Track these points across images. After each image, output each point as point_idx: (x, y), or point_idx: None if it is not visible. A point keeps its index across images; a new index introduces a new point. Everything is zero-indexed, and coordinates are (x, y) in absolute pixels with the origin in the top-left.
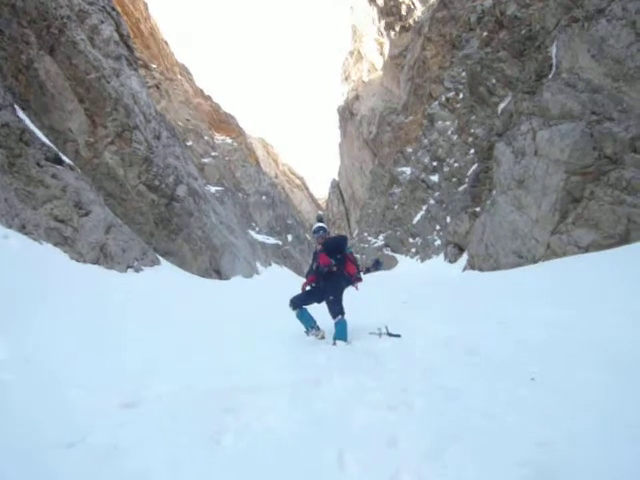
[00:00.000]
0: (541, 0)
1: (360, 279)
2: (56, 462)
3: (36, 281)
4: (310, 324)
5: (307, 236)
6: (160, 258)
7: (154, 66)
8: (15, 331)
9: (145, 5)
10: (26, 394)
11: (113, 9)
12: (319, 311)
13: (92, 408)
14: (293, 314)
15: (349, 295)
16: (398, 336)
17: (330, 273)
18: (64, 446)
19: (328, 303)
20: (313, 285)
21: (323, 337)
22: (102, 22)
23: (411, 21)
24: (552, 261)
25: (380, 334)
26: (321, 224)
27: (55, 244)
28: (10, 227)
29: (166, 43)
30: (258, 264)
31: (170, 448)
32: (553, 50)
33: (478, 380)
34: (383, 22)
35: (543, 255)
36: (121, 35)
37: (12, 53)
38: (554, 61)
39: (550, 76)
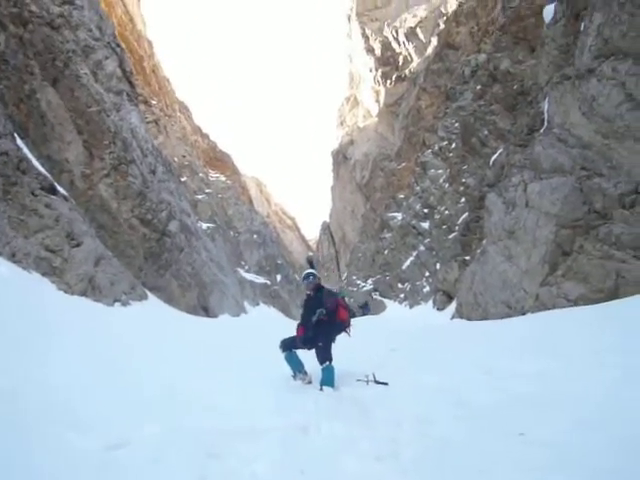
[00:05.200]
0: (533, 57)
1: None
2: None
3: (24, 311)
4: (298, 368)
5: (296, 277)
6: (148, 293)
7: (154, 102)
8: (2, 363)
9: (149, 43)
10: (11, 431)
11: (118, 45)
12: (308, 356)
13: (77, 449)
14: (281, 356)
15: (337, 341)
16: (385, 384)
17: (320, 321)
18: None
19: (317, 349)
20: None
21: (310, 382)
22: (106, 58)
23: (407, 71)
24: (541, 313)
25: (367, 381)
26: (311, 270)
27: (43, 274)
28: (0, 254)
29: (167, 80)
30: (246, 303)
31: None
32: (545, 105)
33: (467, 433)
34: (380, 71)
35: (532, 306)
36: (124, 71)
37: (15, 83)
38: (545, 116)
39: (542, 130)
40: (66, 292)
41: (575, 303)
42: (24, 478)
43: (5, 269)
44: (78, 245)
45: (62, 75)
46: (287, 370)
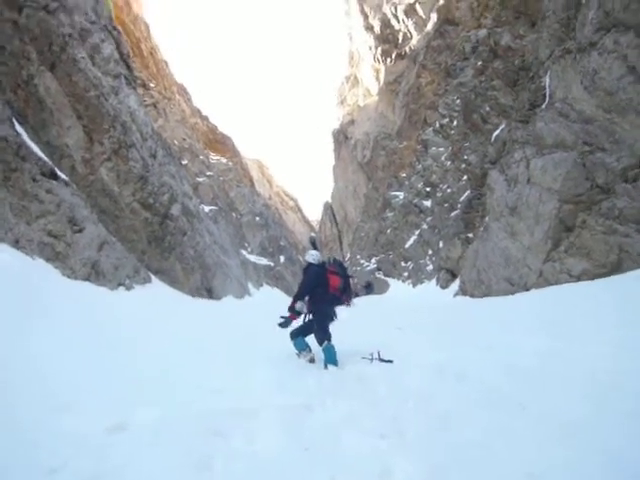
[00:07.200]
0: (534, 32)
1: (349, 302)
2: None
3: (28, 296)
4: (303, 347)
5: (299, 257)
6: (152, 276)
7: (152, 85)
8: (3, 347)
9: (146, 25)
10: (11, 415)
11: (114, 28)
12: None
13: (78, 432)
14: (287, 338)
15: (341, 320)
16: (390, 362)
17: (312, 300)
18: (46, 472)
19: (314, 332)
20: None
21: (313, 359)
22: (103, 41)
23: (407, 49)
24: (544, 289)
25: (372, 359)
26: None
27: (47, 259)
28: (2, 241)
29: (165, 63)
30: (250, 285)
31: (157, 475)
32: (546, 80)
33: (469, 408)
34: (379, 49)
35: (535, 283)
36: (121, 54)
37: (13, 68)
38: (547, 91)
39: (543, 106)
40: (70, 277)
41: (578, 278)
42: (27, 465)
43: (7, 256)
44: (81, 230)
45: (59, 60)
46: (292, 349)
